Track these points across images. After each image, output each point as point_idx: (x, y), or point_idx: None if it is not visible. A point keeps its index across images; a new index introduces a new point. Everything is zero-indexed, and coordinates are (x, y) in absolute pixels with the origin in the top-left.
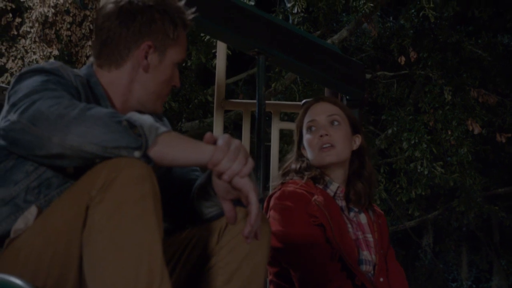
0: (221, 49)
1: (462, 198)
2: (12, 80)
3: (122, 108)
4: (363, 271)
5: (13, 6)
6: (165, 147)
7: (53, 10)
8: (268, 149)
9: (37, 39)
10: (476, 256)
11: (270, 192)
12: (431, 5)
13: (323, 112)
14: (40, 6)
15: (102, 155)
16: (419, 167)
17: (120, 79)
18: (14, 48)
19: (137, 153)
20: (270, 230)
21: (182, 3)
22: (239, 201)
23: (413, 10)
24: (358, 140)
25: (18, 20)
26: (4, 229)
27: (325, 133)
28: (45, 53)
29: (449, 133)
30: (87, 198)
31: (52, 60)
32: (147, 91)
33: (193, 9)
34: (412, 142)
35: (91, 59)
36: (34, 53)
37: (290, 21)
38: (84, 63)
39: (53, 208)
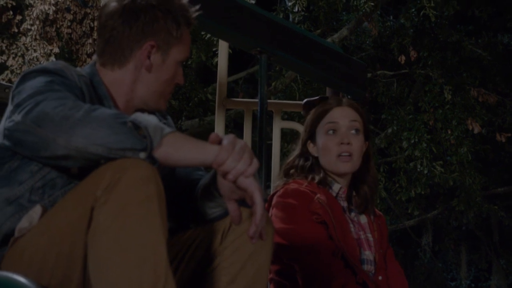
0: (223, 48)
1: (462, 197)
2: (16, 80)
3: (125, 107)
4: (365, 270)
5: (14, 4)
6: (170, 148)
7: (53, 8)
8: (269, 148)
9: (37, 37)
10: (475, 255)
11: (272, 191)
12: (432, 4)
13: (345, 117)
14: (41, 3)
15: (107, 156)
16: (418, 166)
17: (123, 79)
18: (14, 46)
19: (142, 155)
20: (274, 230)
21: (185, 0)
22: (243, 201)
23: (413, 9)
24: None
25: (18, 17)
26: (8, 228)
27: (348, 141)
28: (45, 50)
29: (449, 132)
30: (92, 199)
31: (52, 58)
32: (150, 90)
33: (197, 7)
34: (412, 141)
35: (94, 57)
36: (35, 50)
37: (291, 19)
38: (85, 61)
39: (57, 209)
